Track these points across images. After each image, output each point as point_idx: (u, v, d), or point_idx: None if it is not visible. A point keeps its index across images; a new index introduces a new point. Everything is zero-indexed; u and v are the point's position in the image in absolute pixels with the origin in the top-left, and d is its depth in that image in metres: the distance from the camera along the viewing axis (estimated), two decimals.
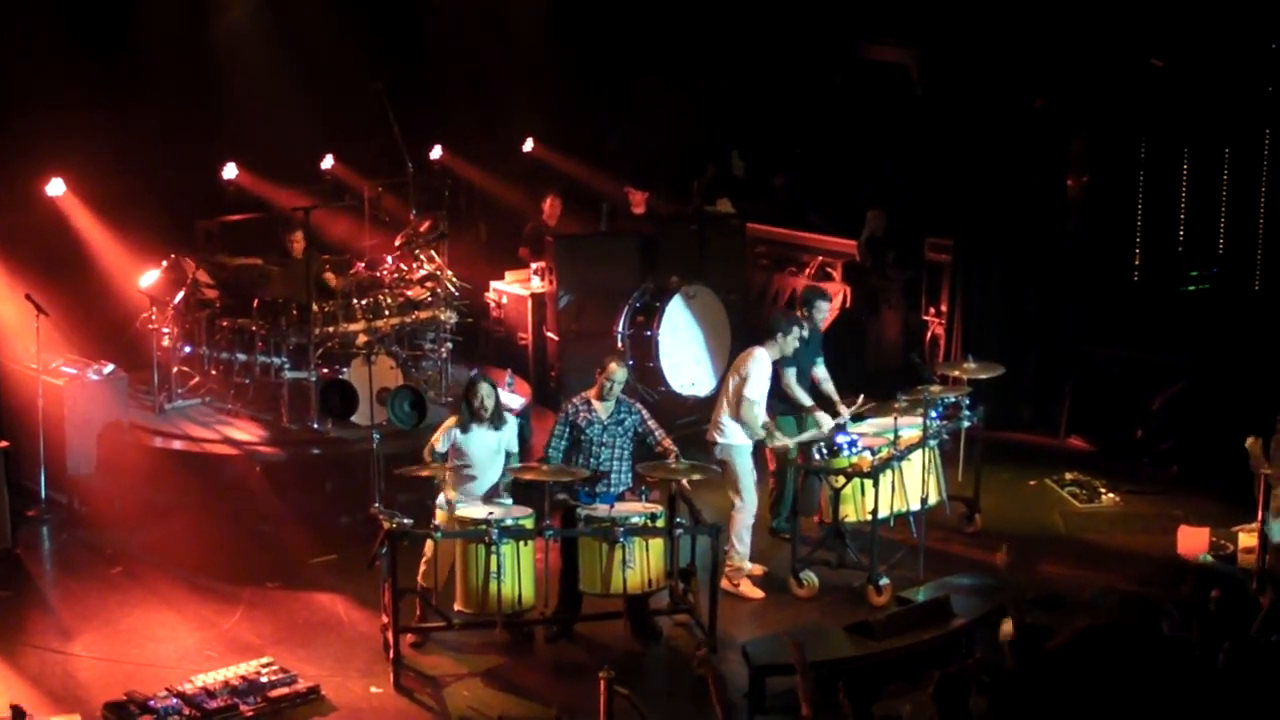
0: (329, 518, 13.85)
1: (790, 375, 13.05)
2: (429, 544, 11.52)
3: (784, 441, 12.84)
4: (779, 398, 13.01)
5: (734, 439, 12.55)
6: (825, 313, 13.66)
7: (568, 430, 11.86)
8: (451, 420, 11.83)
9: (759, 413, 12.60)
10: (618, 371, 11.85)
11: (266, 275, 14.99)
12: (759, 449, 12.93)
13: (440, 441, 11.73)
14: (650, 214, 17.46)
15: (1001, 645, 10.10)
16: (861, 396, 13.21)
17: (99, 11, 16.15)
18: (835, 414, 13.12)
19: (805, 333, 13.18)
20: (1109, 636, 5.69)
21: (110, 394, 14.64)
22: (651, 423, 12.05)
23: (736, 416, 12.53)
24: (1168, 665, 5.50)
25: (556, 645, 11.74)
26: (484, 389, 11.70)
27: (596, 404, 11.88)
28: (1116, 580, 12.60)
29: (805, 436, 12.93)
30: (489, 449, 11.74)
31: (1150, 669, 5.44)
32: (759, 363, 12.56)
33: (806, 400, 13.11)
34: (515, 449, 11.93)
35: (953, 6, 16.89)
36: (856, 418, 13.08)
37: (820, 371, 13.53)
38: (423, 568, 11.61)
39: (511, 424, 12.00)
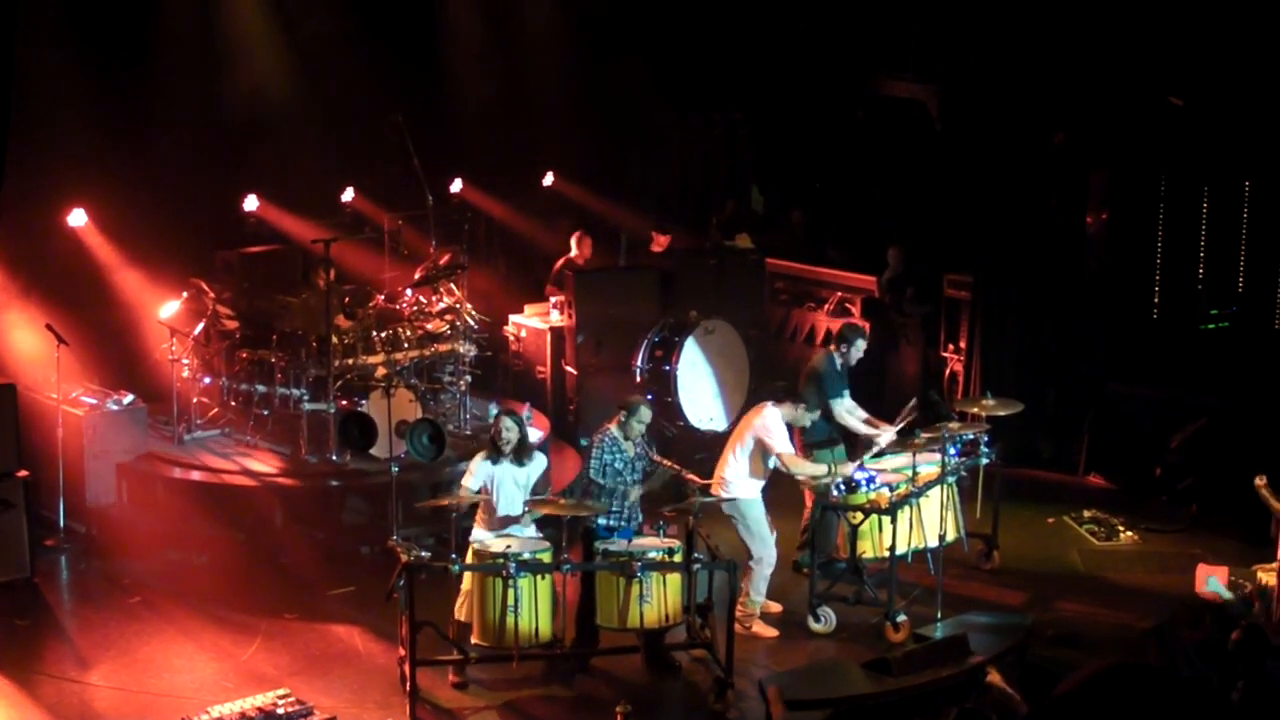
0: (347, 549, 13.87)
1: (839, 406, 13.24)
2: (466, 578, 11.47)
3: (849, 468, 12.77)
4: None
5: (741, 493, 12.45)
6: (861, 351, 13.66)
7: (602, 471, 11.88)
8: (480, 455, 11.86)
9: (806, 464, 12.67)
10: (646, 413, 11.92)
11: (286, 307, 15.04)
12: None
13: (472, 479, 11.75)
14: (669, 253, 17.49)
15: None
16: (913, 401, 13.29)
17: (121, 42, 16.22)
18: (868, 443, 13.24)
19: (840, 367, 13.45)
20: (1122, 678, 5.65)
21: (130, 424, 14.70)
22: (652, 450, 12.14)
23: (755, 474, 12.48)
24: (1183, 706, 5.46)
25: (573, 679, 11.70)
26: (504, 423, 11.74)
27: (624, 443, 11.90)
28: (1135, 620, 12.56)
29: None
30: (515, 484, 11.76)
31: (1165, 710, 5.40)
32: (773, 420, 12.46)
33: (864, 430, 13.19)
34: (543, 491, 11.95)
35: (972, 42, 16.91)
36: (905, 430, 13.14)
37: (848, 404, 13.59)
38: (460, 600, 11.53)
39: (539, 461, 12.01)
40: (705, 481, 12.21)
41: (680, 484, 12.17)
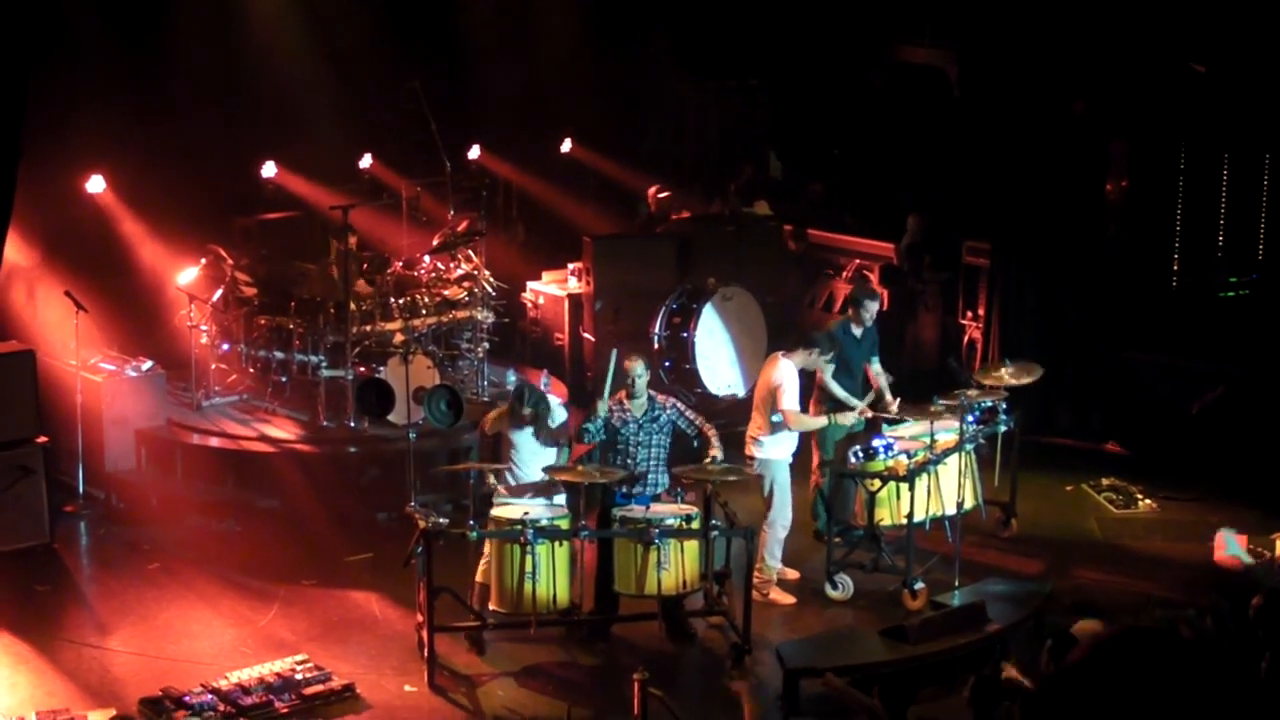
0: (365, 516, 13.90)
1: (828, 372, 13.07)
2: (488, 543, 11.49)
3: (853, 413, 12.78)
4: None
5: (771, 453, 12.45)
6: (874, 311, 13.61)
7: (604, 428, 11.86)
8: (505, 409, 11.89)
9: (808, 418, 12.64)
10: (635, 366, 11.84)
11: (304, 273, 15.05)
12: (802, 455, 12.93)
13: (491, 425, 11.84)
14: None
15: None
16: (897, 400, 13.21)
17: (139, 9, 16.20)
18: (883, 409, 13.15)
19: (858, 332, 13.33)
20: (1131, 643, 5.62)
21: (148, 391, 14.73)
22: (690, 413, 12.02)
23: (774, 432, 12.49)
24: (1199, 671, 5.44)
25: (591, 646, 11.73)
26: (526, 395, 11.73)
27: (628, 403, 11.88)
28: (1153, 587, 12.55)
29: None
30: (534, 448, 11.77)
31: (1182, 675, 5.37)
32: (786, 372, 12.44)
33: (841, 394, 13.08)
34: (564, 454, 11.94)
35: (991, 9, 16.82)
36: (891, 421, 13.05)
37: (875, 368, 13.54)
38: (482, 565, 11.56)
39: (558, 414, 11.99)
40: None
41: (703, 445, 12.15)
